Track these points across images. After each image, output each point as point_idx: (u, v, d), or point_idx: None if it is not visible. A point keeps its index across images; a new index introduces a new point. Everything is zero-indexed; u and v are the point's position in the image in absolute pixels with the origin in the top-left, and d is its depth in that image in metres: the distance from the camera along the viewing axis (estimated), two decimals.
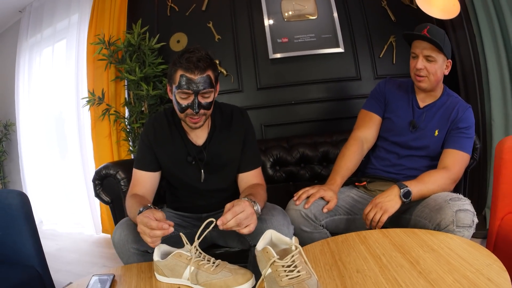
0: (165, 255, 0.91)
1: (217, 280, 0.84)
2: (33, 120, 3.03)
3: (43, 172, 3.06)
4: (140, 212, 0.97)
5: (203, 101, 1.09)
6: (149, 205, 1.01)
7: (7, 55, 3.18)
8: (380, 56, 2.17)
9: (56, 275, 1.94)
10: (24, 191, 3.02)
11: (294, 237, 0.80)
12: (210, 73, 1.09)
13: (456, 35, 2.07)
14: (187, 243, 0.91)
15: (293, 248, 0.77)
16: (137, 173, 1.20)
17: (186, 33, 2.19)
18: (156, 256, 0.91)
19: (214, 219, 0.90)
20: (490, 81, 1.85)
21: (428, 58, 1.22)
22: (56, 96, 2.90)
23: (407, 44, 1.32)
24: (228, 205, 0.95)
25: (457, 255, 0.83)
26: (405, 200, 1.10)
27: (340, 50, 2.14)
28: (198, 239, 0.89)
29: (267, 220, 1.06)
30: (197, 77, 1.06)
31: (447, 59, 1.25)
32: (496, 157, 1.26)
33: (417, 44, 1.24)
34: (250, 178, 1.23)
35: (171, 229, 0.90)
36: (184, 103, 1.08)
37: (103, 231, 2.54)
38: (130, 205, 1.08)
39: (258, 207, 1.00)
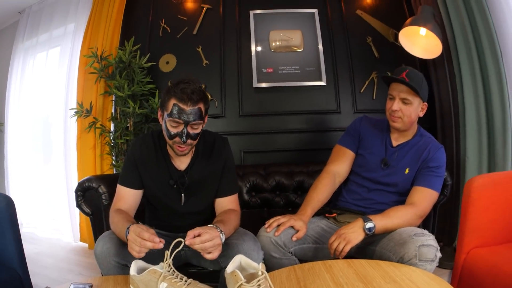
0: (141, 271, 0.96)
1: None
2: (21, 122, 3.04)
3: (26, 175, 3.06)
4: (127, 230, 1.02)
5: (192, 131, 1.16)
6: (139, 222, 1.07)
7: (2, 55, 3.20)
8: (361, 91, 2.25)
9: (33, 278, 1.95)
10: (6, 192, 3.03)
11: (261, 263, 0.87)
12: (201, 105, 1.16)
13: (436, 73, 2.14)
14: (164, 261, 0.96)
15: (260, 273, 0.84)
16: (121, 189, 1.25)
17: (175, 55, 2.25)
18: (132, 271, 0.96)
19: (182, 239, 0.96)
20: (467, 119, 1.89)
21: (404, 101, 1.28)
22: (46, 102, 2.91)
23: (386, 85, 1.38)
24: (195, 230, 1.01)
25: (417, 287, 0.87)
26: (369, 233, 1.14)
27: (322, 83, 2.21)
28: (170, 257, 0.95)
29: (238, 245, 1.12)
30: (189, 108, 1.12)
31: (423, 102, 1.31)
32: (465, 195, 1.31)
33: (395, 87, 1.30)
34: (226, 203, 1.30)
35: (161, 245, 0.96)
36: (173, 131, 1.15)
37: (81, 240, 2.54)
38: (116, 220, 1.12)
39: (223, 237, 1.08)
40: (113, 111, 2.30)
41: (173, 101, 1.13)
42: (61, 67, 2.70)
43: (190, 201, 1.29)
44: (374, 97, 2.25)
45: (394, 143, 1.38)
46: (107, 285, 1.01)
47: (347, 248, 1.13)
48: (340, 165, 1.42)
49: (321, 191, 1.34)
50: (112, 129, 2.27)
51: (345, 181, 1.44)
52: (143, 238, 0.95)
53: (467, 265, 1.28)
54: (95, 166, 2.29)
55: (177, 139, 1.15)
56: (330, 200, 1.42)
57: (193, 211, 1.30)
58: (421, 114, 1.33)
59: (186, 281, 0.93)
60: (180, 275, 0.96)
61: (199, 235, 1.00)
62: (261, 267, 0.85)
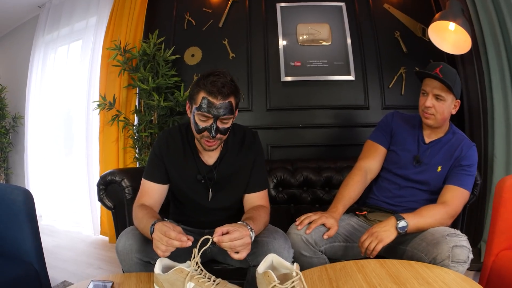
0: (166, 269, 0.93)
1: None
2: (42, 116, 3.05)
3: (46, 167, 3.08)
4: (151, 226, 0.98)
5: (221, 126, 1.10)
6: (165, 218, 1.03)
7: (22, 49, 3.22)
8: (390, 86, 2.20)
9: (50, 271, 1.94)
10: (26, 184, 3.07)
11: (295, 264, 0.82)
12: (232, 99, 1.10)
13: (465, 70, 2.10)
14: (191, 259, 0.92)
15: (294, 274, 0.79)
16: (146, 184, 1.21)
17: (201, 48, 2.23)
18: (157, 269, 0.92)
19: (210, 237, 0.92)
20: (495, 118, 1.86)
21: (437, 97, 1.25)
22: (67, 95, 2.92)
23: (418, 80, 1.34)
24: (224, 227, 0.96)
25: None
26: (401, 231, 1.12)
27: (351, 78, 2.16)
28: (198, 254, 0.90)
29: (268, 243, 1.08)
30: (219, 102, 1.06)
31: (456, 99, 1.27)
32: (496, 195, 1.28)
33: (428, 82, 1.26)
34: (255, 199, 1.25)
35: (189, 243, 0.91)
36: (202, 125, 1.10)
37: (101, 233, 2.53)
38: (140, 216, 1.08)
39: (253, 235, 1.02)
40: (137, 104, 2.28)
41: (202, 94, 1.07)
42: (83, 61, 2.69)
43: (217, 196, 1.25)
44: (402, 93, 2.21)
45: (427, 140, 1.34)
46: (129, 283, 0.97)
47: (379, 247, 1.09)
48: (371, 161, 1.38)
49: (353, 188, 1.31)
50: (135, 122, 2.25)
51: (376, 178, 1.41)
52: (169, 237, 0.91)
53: (495, 267, 1.24)
54: (118, 159, 2.28)
55: (205, 133, 1.10)
56: (360, 198, 1.38)
57: (221, 207, 1.26)
58: (454, 112, 1.30)
59: (214, 281, 0.89)
60: (208, 274, 0.91)
61: (227, 233, 0.95)
62: (295, 267, 0.81)
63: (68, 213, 2.92)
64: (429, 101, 1.25)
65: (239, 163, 1.24)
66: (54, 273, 1.89)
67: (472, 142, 1.31)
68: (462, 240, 1.03)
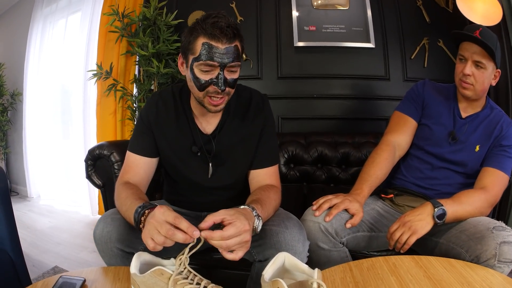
0: (144, 266, 0.73)
1: None
2: (41, 92, 2.97)
3: (45, 145, 3.01)
4: (139, 210, 0.79)
5: (229, 76, 0.90)
6: (152, 202, 0.84)
7: (21, 24, 3.12)
8: (412, 57, 2.02)
9: (42, 255, 1.82)
10: (25, 163, 3.05)
11: (317, 270, 0.62)
12: (238, 43, 0.90)
13: None
14: (178, 256, 0.70)
15: (315, 286, 0.58)
16: (131, 157, 1.02)
17: (206, 11, 2.04)
18: (133, 268, 0.71)
19: (202, 238, 0.71)
20: None
21: (477, 64, 1.08)
22: (65, 69, 2.83)
23: (454, 45, 1.16)
24: (218, 215, 0.74)
25: None
26: (439, 221, 0.95)
27: (370, 45, 1.99)
28: (187, 254, 0.70)
29: (278, 233, 0.87)
30: (224, 47, 0.86)
31: (497, 68, 1.10)
32: None
33: (467, 47, 1.09)
34: (263, 177, 1.04)
35: (195, 237, 0.71)
36: (205, 78, 0.89)
37: (99, 213, 2.45)
38: (124, 196, 0.89)
39: (259, 224, 0.82)
40: (136, 73, 2.14)
41: (202, 40, 0.86)
42: (81, 33, 2.58)
43: (218, 172, 1.05)
44: (425, 65, 2.03)
45: (463, 114, 1.19)
46: (104, 280, 0.80)
47: (412, 240, 0.93)
48: (401, 135, 1.21)
49: (380, 166, 1.13)
50: (134, 92, 2.10)
51: (404, 155, 1.23)
52: (178, 226, 0.70)
53: None
54: (116, 132, 2.16)
55: (211, 88, 0.89)
56: (386, 183, 1.21)
57: (221, 185, 1.06)
58: (494, 83, 1.13)
59: (205, 287, 0.69)
60: (198, 277, 0.71)
61: (221, 223, 0.74)
62: (316, 275, 0.60)
63: (66, 193, 2.86)
64: (468, 69, 1.09)
65: (243, 132, 1.04)
66: (46, 258, 1.82)
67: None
68: (510, 235, 0.88)
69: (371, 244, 1.09)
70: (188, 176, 1.04)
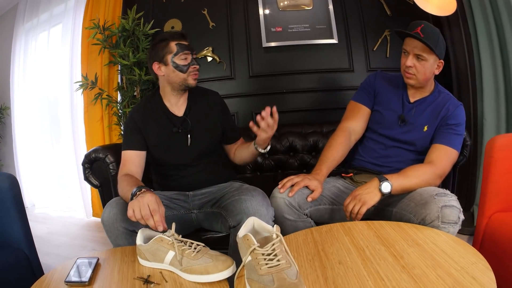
0: (148, 239, 0.91)
1: (197, 266, 0.82)
2: (28, 104, 3.02)
3: (36, 156, 3.06)
4: (135, 192, 1.01)
5: (195, 57, 1.34)
6: (143, 185, 1.05)
7: (4, 40, 3.15)
8: (374, 49, 2.16)
9: (45, 258, 1.93)
10: (17, 174, 3.05)
11: (275, 226, 0.80)
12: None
13: (451, 32, 2.06)
14: (170, 229, 0.93)
15: (274, 236, 0.76)
16: (126, 154, 1.28)
17: (180, 19, 2.18)
18: (139, 240, 0.92)
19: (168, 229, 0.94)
20: (484, 80, 1.84)
21: (418, 57, 1.21)
22: (51, 81, 2.88)
23: (400, 39, 1.30)
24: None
25: (442, 251, 0.81)
26: (385, 192, 1.09)
27: (333, 41, 2.13)
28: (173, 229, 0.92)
29: (246, 200, 1.10)
30: (187, 43, 1.31)
31: (439, 59, 1.23)
32: (486, 155, 1.26)
33: (409, 42, 1.22)
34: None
35: (160, 229, 0.94)
36: (185, 63, 1.29)
37: (94, 215, 2.55)
38: (125, 184, 1.11)
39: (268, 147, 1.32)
40: (119, 81, 2.25)
41: (174, 42, 1.28)
42: (64, 44, 2.66)
43: (196, 139, 1.34)
44: (387, 55, 2.17)
45: (411, 99, 1.32)
46: (114, 258, 0.97)
47: (363, 210, 1.07)
48: (355, 122, 1.36)
49: (336, 149, 1.28)
50: (119, 99, 2.22)
51: (361, 139, 1.38)
52: (153, 214, 0.93)
53: (489, 230, 1.22)
54: (104, 137, 2.27)
55: (191, 68, 1.30)
56: (345, 160, 1.36)
57: (201, 150, 1.34)
58: (437, 72, 1.26)
59: (195, 248, 0.87)
60: (189, 241, 0.90)
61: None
62: (275, 229, 0.78)
63: (60, 199, 2.92)
64: (410, 61, 1.22)
65: (207, 108, 1.39)
66: (48, 260, 1.88)
67: (459, 101, 1.28)
68: (451, 200, 0.99)
69: (334, 216, 1.23)
70: (172, 153, 1.32)
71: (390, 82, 1.38)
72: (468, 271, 0.72)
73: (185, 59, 1.29)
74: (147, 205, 0.94)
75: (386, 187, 1.09)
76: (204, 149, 1.35)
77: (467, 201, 1.98)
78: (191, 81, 1.31)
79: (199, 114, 1.38)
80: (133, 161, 1.27)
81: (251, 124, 1.20)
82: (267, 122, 1.17)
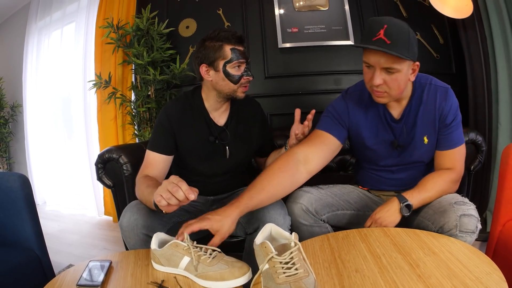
0: (163, 244, 0.90)
1: (213, 272, 0.81)
2: (40, 102, 3.03)
3: (48, 154, 3.07)
4: None
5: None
6: None
7: (16, 38, 3.18)
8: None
9: (56, 256, 1.94)
10: (28, 172, 3.08)
11: (294, 233, 0.78)
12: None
13: (467, 35, 2.03)
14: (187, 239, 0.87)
15: (292, 244, 0.74)
16: (151, 155, 1.19)
17: (195, 19, 2.17)
18: (153, 245, 0.89)
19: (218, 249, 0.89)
20: (499, 84, 1.80)
21: (388, 70, 0.96)
22: (63, 79, 2.89)
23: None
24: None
25: (457, 260, 0.81)
26: (406, 214, 1.04)
27: (350, 42, 2.10)
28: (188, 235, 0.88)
29: (264, 209, 1.06)
30: (243, 49, 1.19)
31: (414, 62, 1.00)
32: (502, 162, 1.21)
33: (372, 54, 0.97)
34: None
35: (192, 197, 0.85)
36: (238, 73, 1.17)
37: (105, 214, 2.55)
38: (144, 186, 1.04)
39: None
40: (133, 80, 2.25)
41: (229, 47, 1.14)
42: (77, 43, 2.67)
43: (234, 151, 1.28)
44: None
45: (396, 115, 1.12)
46: (127, 261, 0.94)
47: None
48: (311, 148, 1.09)
49: (268, 178, 1.01)
50: (132, 98, 2.22)
51: (362, 167, 1.29)
52: (180, 187, 0.84)
53: (502, 237, 1.19)
54: (117, 137, 2.27)
55: (243, 79, 1.18)
56: (356, 180, 1.32)
57: (238, 161, 1.30)
58: (413, 78, 1.03)
59: (210, 254, 0.85)
60: (205, 247, 0.88)
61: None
62: (293, 237, 0.76)
63: (71, 197, 2.94)
64: (378, 78, 0.97)
65: (248, 121, 1.31)
66: (60, 258, 1.91)
67: (445, 85, 1.10)
68: (470, 209, 0.96)
69: (352, 221, 1.20)
70: (208, 163, 1.26)
71: (363, 102, 1.15)
72: (483, 281, 0.72)
73: (239, 67, 1.17)
74: (171, 181, 0.87)
75: (407, 207, 1.04)
76: (240, 161, 1.31)
77: (480, 206, 1.94)
78: (240, 94, 1.21)
79: (240, 126, 1.30)
80: (157, 165, 1.18)
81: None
82: (303, 131, 1.20)
